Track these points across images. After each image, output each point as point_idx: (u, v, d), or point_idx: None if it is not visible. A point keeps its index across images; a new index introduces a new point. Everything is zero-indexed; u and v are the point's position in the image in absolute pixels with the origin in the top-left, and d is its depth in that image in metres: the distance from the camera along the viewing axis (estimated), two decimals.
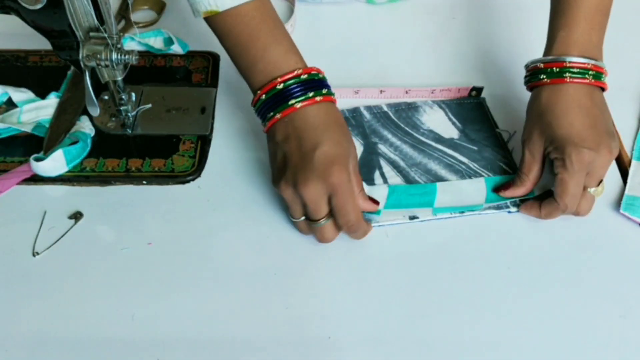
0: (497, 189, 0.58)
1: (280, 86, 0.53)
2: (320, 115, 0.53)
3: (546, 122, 0.55)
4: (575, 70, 0.54)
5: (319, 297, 0.52)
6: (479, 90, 0.67)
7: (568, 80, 0.54)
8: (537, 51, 0.59)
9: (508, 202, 0.58)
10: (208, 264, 0.54)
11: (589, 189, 0.54)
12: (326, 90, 0.54)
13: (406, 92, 0.67)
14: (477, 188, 0.59)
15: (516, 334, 0.50)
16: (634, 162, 0.62)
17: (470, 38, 0.75)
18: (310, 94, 0.53)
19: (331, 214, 0.52)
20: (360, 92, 0.67)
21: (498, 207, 0.58)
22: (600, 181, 0.55)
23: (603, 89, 0.56)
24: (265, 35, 0.54)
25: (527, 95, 0.59)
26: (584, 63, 0.54)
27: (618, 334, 0.51)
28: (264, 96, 0.53)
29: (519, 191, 0.57)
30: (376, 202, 0.55)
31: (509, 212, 0.58)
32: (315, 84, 0.54)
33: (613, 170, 0.62)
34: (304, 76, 0.53)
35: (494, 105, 0.67)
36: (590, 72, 0.54)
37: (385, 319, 0.51)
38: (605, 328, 0.51)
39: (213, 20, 0.55)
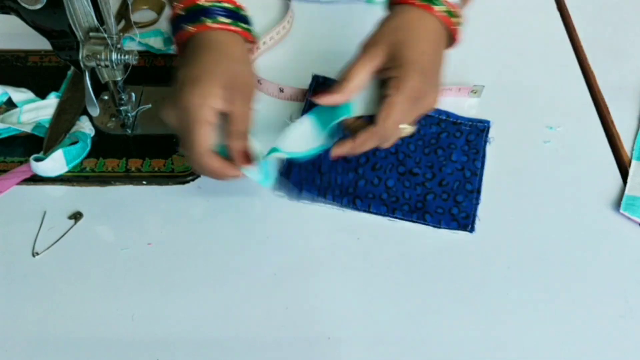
0: (315, 96, 0.53)
1: (230, 5, 0.53)
2: (211, 42, 0.52)
3: (399, 39, 0.52)
4: (445, 7, 0.54)
5: (319, 297, 0.52)
6: (479, 89, 0.67)
7: (436, 11, 0.53)
8: (537, 51, 0.59)
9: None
10: (208, 264, 0.54)
11: (401, 125, 0.51)
12: (231, 20, 0.53)
13: None
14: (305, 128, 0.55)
15: (516, 334, 0.50)
16: (634, 162, 0.62)
17: (469, 38, 0.75)
18: (205, 19, 0.52)
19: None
20: None
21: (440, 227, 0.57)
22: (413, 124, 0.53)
23: (453, 42, 0.56)
24: None
25: (524, 90, 0.58)
26: (455, 5, 0.54)
27: (618, 334, 0.51)
28: (183, 12, 0.54)
29: (338, 97, 0.51)
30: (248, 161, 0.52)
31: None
32: (238, 17, 0.54)
33: (613, 170, 0.62)
34: (225, 4, 0.53)
35: (493, 105, 0.67)
36: (455, 16, 0.55)
37: (385, 319, 0.51)
38: (605, 328, 0.51)
39: None
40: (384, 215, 0.57)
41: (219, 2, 0.54)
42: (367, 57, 0.52)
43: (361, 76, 0.52)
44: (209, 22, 0.53)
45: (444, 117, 0.65)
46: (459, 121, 0.65)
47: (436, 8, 0.54)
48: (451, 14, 0.54)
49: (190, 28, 0.53)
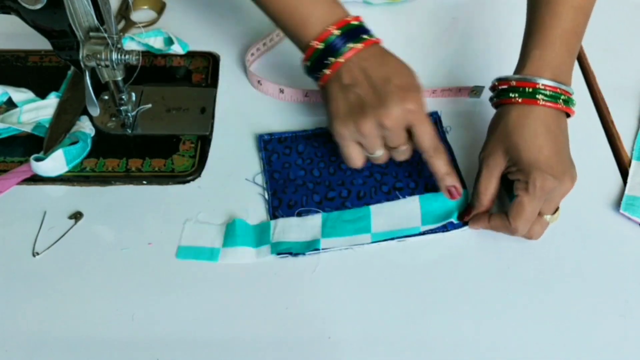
0: (460, 217, 0.56)
1: (337, 32, 0.54)
2: (379, 53, 0.55)
3: (513, 143, 0.53)
4: (548, 93, 0.53)
5: (319, 297, 0.52)
6: (479, 89, 0.67)
7: (540, 102, 0.53)
8: None
9: (446, 222, 0.56)
10: (208, 263, 0.54)
11: (544, 216, 0.53)
12: (371, 33, 0.56)
13: None
14: (411, 208, 0.57)
15: (516, 334, 0.50)
16: (634, 162, 0.62)
17: (469, 38, 0.75)
18: (365, 37, 0.55)
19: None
20: None
21: (436, 230, 0.56)
22: (557, 209, 0.54)
23: (569, 115, 0.55)
24: None
25: None
26: (556, 87, 0.53)
27: (618, 334, 0.51)
28: (321, 45, 0.54)
29: (475, 213, 0.56)
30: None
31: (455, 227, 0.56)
32: (363, 30, 0.55)
33: (613, 170, 0.62)
34: (355, 22, 0.55)
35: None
36: (562, 97, 0.53)
37: (385, 319, 0.51)
38: (605, 328, 0.51)
39: None
40: (392, 239, 0.55)
41: (360, 21, 0.56)
42: (489, 169, 0.55)
43: (491, 189, 0.55)
44: (373, 38, 0.55)
45: None
46: None
47: (540, 101, 0.53)
48: (556, 98, 0.53)
49: (359, 46, 0.54)
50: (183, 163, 0.60)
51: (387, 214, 0.57)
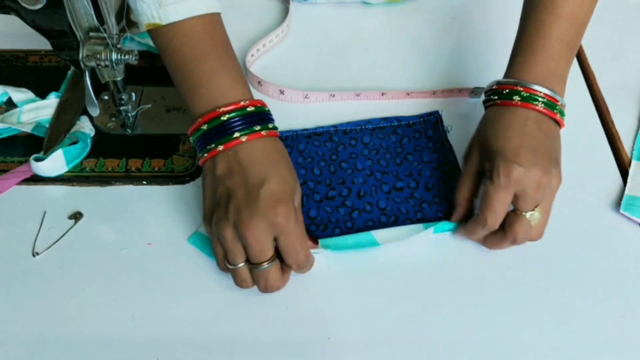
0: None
1: (225, 117, 0.49)
2: (267, 149, 0.50)
3: (485, 136, 0.53)
4: (524, 94, 0.53)
5: (319, 297, 0.52)
6: (480, 90, 0.67)
7: (516, 103, 0.53)
8: None
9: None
10: (208, 263, 0.54)
11: (523, 213, 0.51)
12: (272, 124, 0.52)
13: (407, 95, 0.67)
14: (416, 230, 0.55)
15: (516, 334, 0.50)
16: (634, 162, 0.62)
17: (469, 38, 0.75)
18: (257, 128, 0.50)
19: (276, 256, 0.49)
20: (361, 95, 0.67)
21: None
22: (537, 206, 0.51)
23: (558, 123, 0.54)
24: (213, 61, 0.51)
25: None
26: (535, 90, 0.53)
27: (618, 334, 0.51)
28: (205, 126, 0.50)
29: (457, 215, 0.55)
30: (315, 242, 0.54)
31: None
32: (261, 117, 0.51)
33: (613, 170, 0.62)
34: (250, 108, 0.50)
35: None
36: (541, 99, 0.53)
37: (386, 319, 0.51)
38: (605, 328, 0.51)
39: (157, 35, 0.51)
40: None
41: (262, 105, 0.52)
42: (466, 167, 0.55)
43: (466, 187, 0.54)
44: (263, 131, 0.50)
45: (395, 123, 0.64)
46: (411, 122, 0.64)
47: (517, 101, 0.53)
48: (534, 99, 0.53)
49: (243, 138, 0.49)
50: (183, 163, 0.60)
51: (391, 237, 0.55)
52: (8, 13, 0.54)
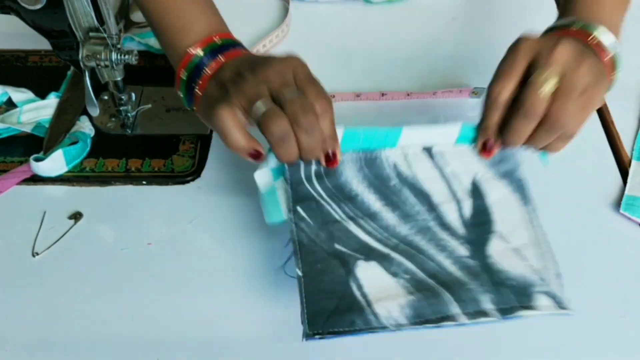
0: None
1: (219, 40, 0.51)
2: (253, 56, 0.51)
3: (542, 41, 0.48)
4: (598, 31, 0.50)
5: None
6: (480, 90, 0.67)
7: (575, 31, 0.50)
8: None
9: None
10: (208, 263, 0.54)
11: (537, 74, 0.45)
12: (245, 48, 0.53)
13: (407, 95, 0.67)
14: (450, 131, 0.50)
15: (516, 334, 0.50)
16: (634, 162, 0.61)
17: (470, 38, 0.75)
18: (241, 48, 0.52)
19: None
20: (361, 96, 0.67)
21: None
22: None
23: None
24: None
25: None
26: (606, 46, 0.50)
27: (618, 334, 0.51)
28: (201, 51, 0.50)
29: (493, 116, 0.48)
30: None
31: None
32: (239, 44, 0.53)
33: (613, 170, 0.62)
34: (231, 39, 0.53)
35: None
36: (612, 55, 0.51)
37: None
38: (605, 328, 0.51)
39: None
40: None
41: (232, 38, 0.53)
42: (507, 61, 0.50)
43: (508, 87, 0.48)
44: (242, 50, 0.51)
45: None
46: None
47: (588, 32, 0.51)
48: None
49: (220, 58, 0.50)
50: (183, 163, 0.60)
51: (419, 135, 0.50)
52: (8, 13, 0.54)
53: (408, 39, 0.74)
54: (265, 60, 0.47)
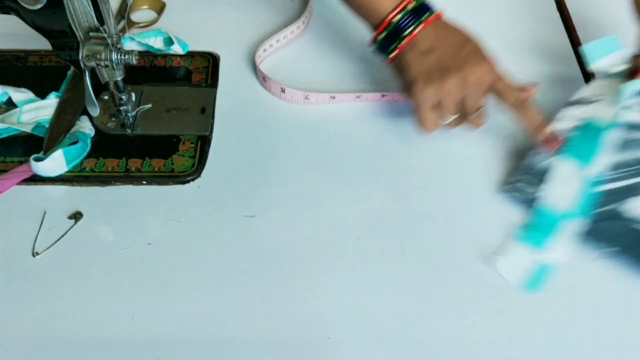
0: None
1: (412, 4, 0.57)
2: (447, 24, 0.58)
3: None
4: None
5: (319, 297, 0.52)
6: None
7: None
8: (537, 51, 0.59)
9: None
10: (208, 264, 0.54)
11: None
12: (436, 8, 0.58)
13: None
14: None
15: (516, 334, 0.51)
16: None
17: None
18: (433, 11, 0.58)
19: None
20: (361, 97, 0.66)
21: None
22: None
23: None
24: None
25: None
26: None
27: (618, 334, 0.51)
28: (396, 17, 0.57)
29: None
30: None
31: None
32: (429, 6, 0.58)
33: None
34: (411, 5, 0.57)
35: (493, 104, 0.67)
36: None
37: (386, 319, 0.51)
38: (605, 328, 0.51)
39: None
40: None
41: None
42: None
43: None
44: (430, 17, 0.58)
45: None
46: None
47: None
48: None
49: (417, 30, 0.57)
50: (183, 163, 0.60)
51: None
52: (8, 13, 0.54)
53: None
54: (465, 61, 0.56)
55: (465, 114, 0.59)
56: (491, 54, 0.57)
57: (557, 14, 0.77)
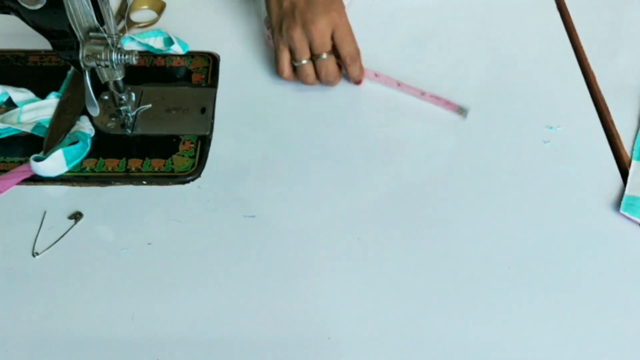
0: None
1: None
2: None
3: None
4: None
5: (319, 297, 0.52)
6: (465, 111, 0.65)
7: None
8: (537, 51, 0.59)
9: None
10: (208, 264, 0.54)
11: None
12: None
13: (398, 85, 0.67)
14: None
15: (516, 334, 0.50)
16: (634, 162, 0.61)
17: (470, 38, 0.75)
18: None
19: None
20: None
21: None
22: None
23: None
24: None
25: (524, 89, 0.58)
26: None
27: (618, 334, 0.51)
28: None
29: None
30: None
31: None
32: None
33: (613, 170, 0.62)
34: None
35: (493, 105, 0.67)
36: None
37: (386, 319, 0.51)
38: (606, 328, 0.51)
39: None
40: None
41: None
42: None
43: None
44: None
45: None
46: None
47: None
48: None
49: None
50: (183, 163, 0.60)
51: None
52: (8, 13, 0.54)
53: (407, 38, 0.74)
54: (312, 14, 0.61)
55: (314, 59, 0.64)
56: (341, 6, 0.63)
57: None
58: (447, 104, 0.66)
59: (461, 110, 0.65)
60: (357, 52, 0.64)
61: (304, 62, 0.64)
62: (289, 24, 0.62)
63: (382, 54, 0.71)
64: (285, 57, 0.64)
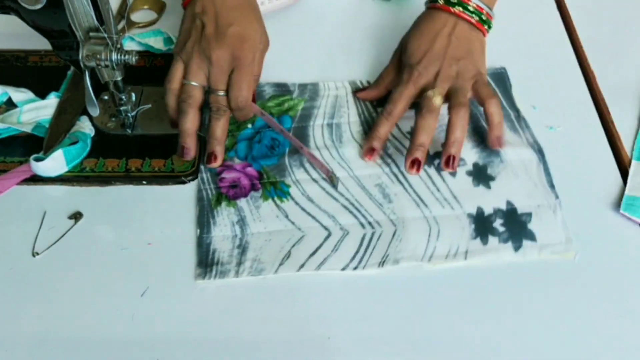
0: (356, 91, 0.66)
1: None
2: (240, 1, 0.60)
3: (407, 36, 0.63)
4: (470, 7, 0.60)
5: (319, 297, 0.52)
6: (334, 178, 0.61)
7: (440, 5, 0.61)
8: (537, 51, 0.59)
9: None
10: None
11: (426, 93, 0.59)
12: None
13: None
14: None
15: (516, 334, 0.50)
16: (634, 162, 0.61)
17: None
18: None
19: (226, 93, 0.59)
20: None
21: None
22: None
23: (480, 30, 0.62)
24: None
25: (524, 89, 0.58)
26: (481, 7, 0.61)
27: (618, 334, 0.51)
28: None
29: (372, 93, 0.64)
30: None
31: None
32: None
33: (613, 170, 0.61)
34: None
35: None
36: (482, 16, 0.61)
37: (385, 319, 0.51)
38: (605, 328, 0.51)
39: None
40: None
41: None
42: (393, 58, 0.64)
43: (387, 73, 0.64)
44: None
45: None
46: None
47: (457, 10, 0.60)
48: (475, 14, 0.60)
49: None
50: (183, 163, 0.60)
51: None
52: (8, 13, 0.54)
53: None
54: (217, 40, 0.57)
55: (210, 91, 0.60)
56: (254, 46, 0.59)
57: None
58: (322, 167, 0.60)
59: (332, 178, 0.60)
60: (247, 102, 0.58)
61: (194, 83, 0.59)
62: (192, 43, 0.59)
63: (383, 55, 0.71)
64: (178, 70, 0.59)
